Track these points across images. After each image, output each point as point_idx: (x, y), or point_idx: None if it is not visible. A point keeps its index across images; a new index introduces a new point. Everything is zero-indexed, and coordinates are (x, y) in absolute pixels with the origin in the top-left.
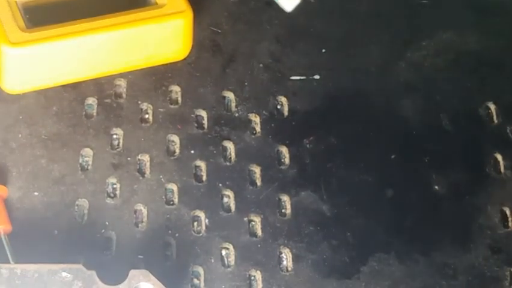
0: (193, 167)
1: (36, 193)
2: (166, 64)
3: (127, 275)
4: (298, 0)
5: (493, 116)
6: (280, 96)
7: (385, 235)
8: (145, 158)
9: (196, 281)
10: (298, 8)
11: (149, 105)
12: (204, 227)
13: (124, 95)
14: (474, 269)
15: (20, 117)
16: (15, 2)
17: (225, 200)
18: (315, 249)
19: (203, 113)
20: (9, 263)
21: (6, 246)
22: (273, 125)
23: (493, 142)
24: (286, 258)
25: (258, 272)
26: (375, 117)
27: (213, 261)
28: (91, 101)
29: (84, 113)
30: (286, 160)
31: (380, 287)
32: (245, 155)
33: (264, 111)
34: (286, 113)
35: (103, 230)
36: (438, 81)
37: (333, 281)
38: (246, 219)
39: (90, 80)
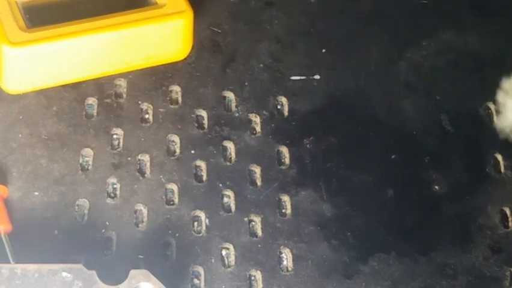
0: (193, 167)
1: (36, 193)
2: (166, 64)
3: (127, 275)
4: None
5: (493, 116)
6: (280, 96)
7: (385, 235)
8: (145, 158)
9: (196, 281)
10: (298, 8)
11: (150, 105)
12: (204, 227)
13: (124, 95)
14: (474, 269)
15: (20, 117)
16: (15, 2)
17: (225, 200)
18: (315, 249)
19: (203, 113)
20: (9, 263)
21: (6, 246)
22: (273, 125)
23: (493, 142)
24: (287, 258)
25: (258, 272)
26: (375, 117)
27: (213, 261)
28: (91, 101)
29: (84, 113)
30: (286, 160)
31: (380, 287)
32: (245, 155)
33: (264, 111)
34: (286, 113)
35: (103, 230)
36: (438, 81)
37: (333, 281)
38: (246, 219)
39: (90, 80)
